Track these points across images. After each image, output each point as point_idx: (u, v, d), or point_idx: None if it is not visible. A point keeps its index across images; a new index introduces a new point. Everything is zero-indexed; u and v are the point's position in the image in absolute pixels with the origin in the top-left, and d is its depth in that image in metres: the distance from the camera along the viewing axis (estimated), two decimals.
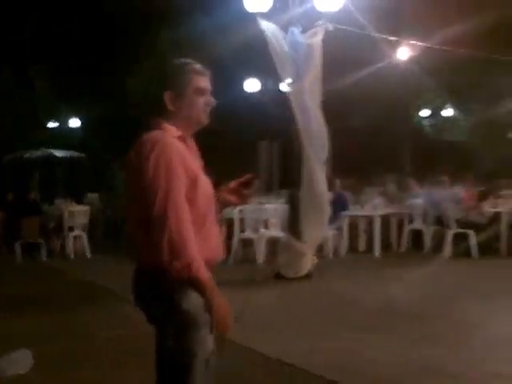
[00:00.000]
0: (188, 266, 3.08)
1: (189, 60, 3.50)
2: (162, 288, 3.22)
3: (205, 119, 3.47)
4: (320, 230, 11.34)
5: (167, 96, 3.38)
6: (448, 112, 23.55)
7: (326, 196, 11.31)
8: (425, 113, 23.85)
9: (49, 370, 6.47)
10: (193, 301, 3.20)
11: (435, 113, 23.70)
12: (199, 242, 3.22)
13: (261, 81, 20.02)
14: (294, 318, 8.57)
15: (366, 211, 14.77)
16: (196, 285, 3.14)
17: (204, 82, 3.46)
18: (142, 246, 3.30)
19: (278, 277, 11.35)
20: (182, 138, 3.36)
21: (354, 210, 14.96)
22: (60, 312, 9.29)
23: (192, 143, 3.51)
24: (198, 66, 3.47)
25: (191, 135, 3.51)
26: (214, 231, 3.42)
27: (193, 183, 3.25)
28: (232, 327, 3.28)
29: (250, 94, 20.44)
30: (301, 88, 10.86)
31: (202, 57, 3.51)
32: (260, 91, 20.30)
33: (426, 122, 24.18)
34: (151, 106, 3.48)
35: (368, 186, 18.74)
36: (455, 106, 23.23)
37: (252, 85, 20.36)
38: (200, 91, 3.42)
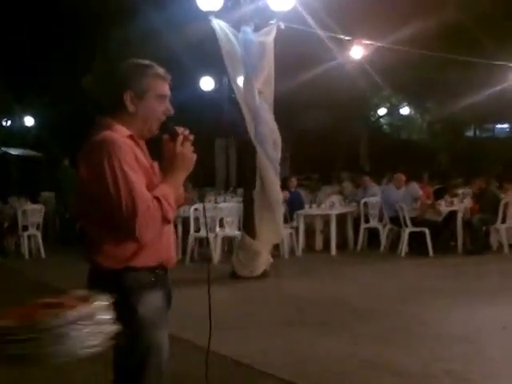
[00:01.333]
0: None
1: (150, 62, 3.42)
2: (118, 292, 3.15)
3: (156, 128, 3.37)
4: (274, 230, 11.28)
5: (127, 96, 3.29)
6: (404, 111, 23.70)
7: (279, 196, 11.29)
8: (382, 111, 23.97)
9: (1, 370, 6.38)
10: (148, 304, 3.21)
11: (392, 111, 23.86)
12: (152, 243, 3.20)
13: (216, 79, 20.00)
14: (248, 318, 8.57)
15: (322, 210, 14.77)
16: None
17: (165, 88, 3.39)
18: (96, 248, 3.24)
19: (234, 276, 11.34)
20: (132, 138, 3.29)
21: (311, 209, 14.93)
22: None
23: (143, 145, 3.41)
24: (161, 71, 3.39)
25: (143, 140, 3.41)
26: (165, 231, 3.34)
27: (148, 176, 3.22)
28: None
29: (206, 92, 20.41)
30: (252, 88, 10.78)
31: (155, 55, 3.41)
32: (215, 89, 20.28)
33: (383, 121, 24.32)
34: (107, 105, 3.38)
35: (325, 185, 18.81)
36: (411, 105, 23.40)
37: (207, 83, 20.32)
38: (161, 97, 3.35)
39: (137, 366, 3.24)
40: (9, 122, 25.17)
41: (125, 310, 3.12)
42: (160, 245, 3.29)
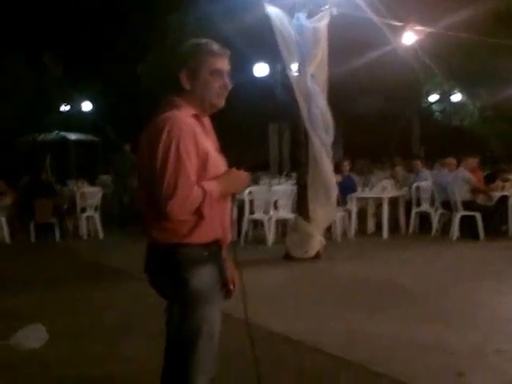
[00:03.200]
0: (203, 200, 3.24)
1: (207, 40, 3.47)
2: (172, 265, 3.31)
3: (220, 102, 3.45)
4: (328, 213, 11.39)
5: (182, 75, 3.38)
6: (456, 97, 23.52)
7: (333, 179, 11.37)
8: (433, 98, 23.81)
9: (60, 344, 6.64)
10: (202, 278, 3.31)
11: (444, 98, 23.70)
12: (209, 221, 3.32)
13: (269, 65, 20.12)
14: (301, 298, 8.70)
15: (374, 193, 14.81)
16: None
17: (220, 63, 3.42)
18: (153, 225, 3.35)
19: (287, 257, 11.49)
20: (196, 117, 3.38)
21: (363, 192, 14.99)
22: (72, 290, 9.50)
23: (208, 123, 3.52)
24: (214, 47, 3.44)
25: (207, 116, 3.51)
26: (223, 211, 3.47)
27: (203, 163, 3.29)
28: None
29: (259, 78, 20.54)
30: (305, 73, 10.91)
31: (212, 40, 3.57)
32: (268, 75, 20.41)
33: (435, 107, 24.17)
34: (167, 86, 3.48)
35: (377, 169, 18.86)
36: (463, 92, 23.21)
37: (260, 69, 20.46)
38: (215, 73, 3.40)
39: (189, 339, 3.33)
40: (67, 108, 25.56)
41: (178, 284, 3.31)
42: (216, 223, 3.39)
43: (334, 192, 11.38)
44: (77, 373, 5.78)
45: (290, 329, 6.99)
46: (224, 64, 3.44)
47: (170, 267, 3.33)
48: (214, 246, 3.43)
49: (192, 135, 3.25)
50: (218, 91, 3.42)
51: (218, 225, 3.41)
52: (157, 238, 3.36)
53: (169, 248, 3.32)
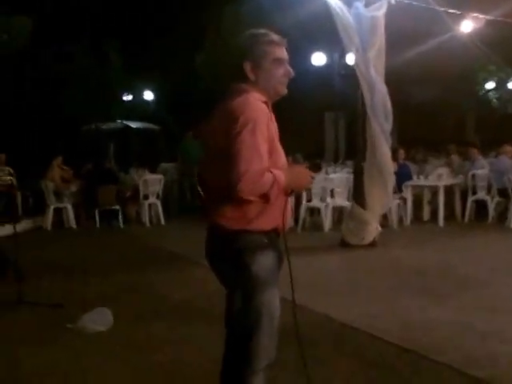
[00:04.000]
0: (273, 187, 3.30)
1: (265, 31, 3.58)
2: (234, 251, 3.41)
3: (283, 90, 3.57)
4: (384, 200, 11.48)
5: (247, 66, 3.48)
6: None
7: (390, 167, 11.42)
8: (490, 85, 23.57)
9: (124, 328, 6.85)
10: (262, 264, 3.40)
11: (500, 85, 23.47)
12: (270, 210, 3.43)
13: (326, 54, 20.21)
14: (357, 284, 8.80)
15: (430, 181, 14.77)
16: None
17: (281, 52, 3.54)
18: (216, 210, 3.45)
19: (344, 244, 11.63)
20: (266, 104, 3.46)
21: (419, 181, 14.98)
22: (135, 275, 9.74)
23: (271, 112, 3.55)
24: (275, 37, 3.54)
25: (270, 104, 3.54)
26: (284, 202, 3.53)
27: (270, 149, 3.37)
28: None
29: (316, 67, 20.64)
30: (366, 60, 10.99)
31: (268, 30, 3.73)
32: (326, 65, 20.50)
33: (491, 95, 23.94)
34: (230, 76, 3.57)
35: (432, 157, 18.81)
36: None
37: (318, 58, 20.54)
38: (277, 61, 3.51)
39: (250, 323, 3.42)
40: (129, 97, 25.92)
41: (240, 269, 3.41)
42: (277, 212, 3.47)
43: (391, 180, 11.44)
44: (139, 357, 5.92)
45: (347, 315, 7.05)
46: (284, 52, 3.56)
47: (231, 253, 3.43)
48: (273, 234, 3.52)
49: (266, 118, 3.35)
50: (281, 79, 3.53)
51: (278, 214, 3.49)
52: (219, 224, 3.45)
53: (231, 234, 3.41)
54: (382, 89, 11.11)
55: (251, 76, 3.50)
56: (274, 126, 3.52)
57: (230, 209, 3.39)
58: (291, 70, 3.56)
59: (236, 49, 3.57)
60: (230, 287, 3.52)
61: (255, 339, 3.42)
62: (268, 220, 3.45)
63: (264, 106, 3.41)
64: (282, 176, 3.33)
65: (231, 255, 3.43)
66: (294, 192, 3.65)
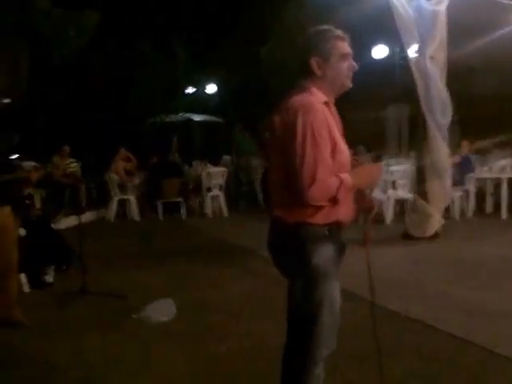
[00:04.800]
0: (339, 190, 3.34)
1: (330, 27, 3.61)
2: (295, 243, 3.44)
3: (348, 83, 3.59)
4: (443, 194, 11.45)
5: (314, 62, 3.52)
6: None
7: (446, 162, 11.37)
8: None
9: (187, 318, 6.95)
10: (322, 256, 3.42)
11: None
12: (332, 206, 3.43)
13: (388, 47, 20.14)
14: (419, 276, 8.73)
15: (493, 173, 14.67)
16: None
17: (346, 47, 3.58)
18: (280, 203, 3.49)
19: (406, 237, 11.59)
20: (326, 104, 3.50)
21: (482, 172, 14.87)
22: (197, 266, 9.86)
23: (334, 110, 3.62)
24: (339, 32, 3.59)
25: (333, 101, 3.62)
26: (350, 197, 3.57)
27: (333, 149, 3.40)
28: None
29: (378, 60, 20.56)
30: (423, 54, 10.96)
31: (331, 24, 3.77)
32: (387, 57, 20.41)
33: None
34: (298, 73, 3.60)
35: (496, 148, 18.59)
36: None
37: (379, 51, 20.48)
38: (343, 56, 3.54)
39: (311, 314, 3.44)
40: (193, 90, 26.10)
41: (300, 261, 3.43)
42: (339, 207, 3.46)
43: (447, 176, 11.39)
44: (202, 347, 5.99)
45: (409, 307, 7.05)
46: (348, 47, 3.59)
47: (292, 245, 3.46)
48: (334, 226, 3.52)
49: (325, 121, 3.38)
50: (346, 73, 3.57)
51: (341, 208, 3.49)
52: (282, 216, 3.49)
53: (293, 226, 3.44)
54: (438, 83, 11.07)
55: (318, 72, 3.54)
56: (337, 123, 3.57)
57: (291, 202, 3.42)
58: (355, 64, 3.60)
59: (303, 45, 3.61)
60: (291, 279, 3.54)
61: (315, 330, 3.46)
62: (330, 214, 3.46)
63: (322, 107, 3.46)
64: (348, 178, 3.38)
65: (292, 247, 3.48)
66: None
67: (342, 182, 3.34)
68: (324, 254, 3.44)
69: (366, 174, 3.60)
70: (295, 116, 3.35)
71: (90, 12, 17.69)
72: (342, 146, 3.52)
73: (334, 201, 3.38)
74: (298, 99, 3.44)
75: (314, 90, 3.52)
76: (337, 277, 3.53)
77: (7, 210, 6.67)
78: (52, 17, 16.14)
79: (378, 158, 15.46)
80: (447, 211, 13.04)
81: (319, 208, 3.41)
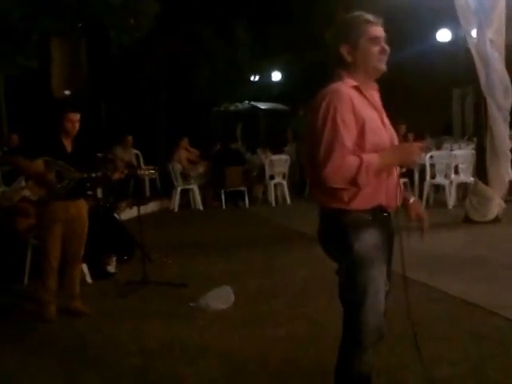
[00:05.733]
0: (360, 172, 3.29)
1: (360, 12, 3.59)
2: (336, 230, 3.48)
3: (382, 66, 3.55)
4: (504, 177, 11.36)
5: (343, 49, 3.51)
6: None
7: (506, 145, 11.24)
8: None
9: (246, 304, 7.03)
10: (365, 242, 3.41)
11: None
12: (371, 188, 3.43)
13: (452, 31, 19.88)
14: (479, 260, 8.63)
15: None
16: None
17: (376, 31, 3.54)
18: (318, 189, 3.52)
19: (467, 221, 11.55)
20: (357, 88, 3.50)
21: None
22: (260, 253, 9.95)
23: (372, 93, 3.61)
24: (369, 16, 3.55)
25: (372, 83, 3.62)
26: (388, 180, 3.54)
27: (361, 130, 3.38)
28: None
29: (442, 43, 20.33)
30: (483, 38, 10.84)
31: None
32: (451, 41, 20.14)
33: None
34: (331, 59, 3.60)
35: None
36: None
37: (444, 35, 20.22)
38: (373, 40, 3.51)
39: (355, 301, 3.45)
40: (257, 78, 26.21)
41: (343, 247, 3.45)
42: (378, 190, 3.47)
43: (506, 159, 11.27)
44: (260, 332, 6.05)
45: (467, 291, 6.99)
46: (379, 31, 3.56)
47: (334, 231, 3.51)
48: (379, 211, 3.50)
49: (350, 104, 3.37)
50: (378, 57, 3.53)
51: (380, 192, 3.49)
52: (322, 202, 3.53)
53: (333, 213, 3.47)
54: (499, 66, 10.97)
55: (349, 58, 3.53)
56: (374, 109, 3.57)
57: (329, 188, 3.40)
58: (387, 48, 3.55)
59: (332, 34, 3.62)
60: (338, 264, 3.59)
61: (360, 316, 3.46)
62: (368, 199, 3.45)
63: (351, 91, 3.47)
64: (373, 158, 3.35)
65: (334, 234, 3.52)
66: (402, 168, 3.65)
67: (361, 161, 3.30)
68: (367, 240, 3.43)
69: (399, 153, 3.54)
70: (321, 102, 3.40)
71: (149, 1, 17.77)
72: (376, 125, 3.50)
73: (354, 183, 3.34)
74: (327, 88, 3.47)
75: (345, 76, 3.53)
76: (383, 263, 3.51)
77: (82, 202, 6.93)
78: (111, 5, 16.20)
79: (419, 138, 15.26)
80: (510, 194, 12.69)
81: (357, 192, 3.40)
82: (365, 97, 3.54)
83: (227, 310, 6.87)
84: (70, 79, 20.40)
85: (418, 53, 19.45)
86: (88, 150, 7.07)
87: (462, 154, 14.20)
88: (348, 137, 3.33)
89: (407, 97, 20.69)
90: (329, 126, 3.33)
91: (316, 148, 3.35)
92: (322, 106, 3.37)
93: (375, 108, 3.58)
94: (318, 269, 8.08)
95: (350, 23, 3.57)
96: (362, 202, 3.44)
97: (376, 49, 3.53)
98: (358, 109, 3.41)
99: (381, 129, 3.53)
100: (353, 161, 3.31)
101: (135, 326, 6.44)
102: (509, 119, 11.20)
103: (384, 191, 3.51)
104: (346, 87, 3.46)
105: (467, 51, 11.50)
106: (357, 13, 3.62)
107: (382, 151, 3.43)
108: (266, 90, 25.78)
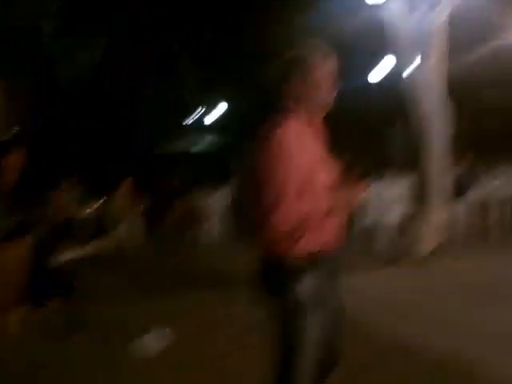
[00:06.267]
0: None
1: (315, 43, 3.57)
2: (275, 276, 3.43)
3: (331, 101, 3.53)
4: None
5: (294, 81, 3.48)
6: None
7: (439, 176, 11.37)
8: None
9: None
10: (302, 289, 3.36)
11: None
12: (313, 231, 3.37)
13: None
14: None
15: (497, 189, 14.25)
16: None
17: (329, 64, 3.52)
18: (259, 233, 3.39)
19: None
20: (306, 123, 3.47)
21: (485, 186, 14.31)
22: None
23: (319, 127, 3.58)
24: (321, 51, 3.53)
25: (320, 118, 3.59)
26: (331, 223, 3.49)
27: (310, 174, 3.35)
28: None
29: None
30: (423, 67, 11.16)
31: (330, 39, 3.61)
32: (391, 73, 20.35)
33: None
34: (281, 91, 3.53)
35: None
36: None
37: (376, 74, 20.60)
38: (324, 76, 3.49)
39: (290, 350, 3.42)
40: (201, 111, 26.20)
41: (281, 294, 3.39)
42: (320, 236, 3.43)
43: (441, 190, 11.38)
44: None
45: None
46: (330, 65, 3.53)
47: (271, 278, 3.46)
48: (317, 256, 3.44)
49: (301, 147, 3.33)
50: (329, 90, 3.52)
51: (322, 237, 3.46)
52: (263, 244, 3.46)
53: (270, 259, 3.44)
54: (439, 95, 11.27)
55: (297, 92, 3.49)
56: (320, 141, 3.56)
57: (269, 233, 3.32)
58: (337, 82, 3.54)
59: (281, 67, 3.56)
60: (274, 310, 3.50)
61: (297, 360, 3.41)
62: (308, 245, 3.40)
63: (302, 129, 3.42)
64: (319, 203, 3.36)
65: (271, 280, 3.47)
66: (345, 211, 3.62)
67: (310, 210, 3.32)
68: (305, 287, 3.37)
69: (345, 196, 3.53)
70: (270, 143, 3.32)
71: (98, 38, 17.72)
72: (321, 168, 3.46)
73: (302, 229, 3.31)
74: (275, 125, 3.38)
75: (295, 110, 3.49)
76: (321, 310, 3.45)
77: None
78: (59, 42, 16.15)
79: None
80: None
81: (297, 239, 3.35)
82: (314, 131, 3.51)
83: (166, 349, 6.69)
84: (14, 117, 19.94)
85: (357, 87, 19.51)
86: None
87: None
88: (297, 183, 3.29)
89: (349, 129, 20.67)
90: (279, 172, 3.27)
91: (264, 192, 3.29)
92: (272, 148, 3.30)
93: (319, 142, 3.55)
94: None
95: (302, 57, 3.50)
96: (302, 248, 3.37)
97: (326, 84, 3.50)
98: (307, 150, 3.36)
99: (326, 169, 3.49)
100: (301, 208, 3.28)
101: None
102: (448, 150, 11.39)
103: (326, 234, 3.48)
104: (295, 125, 3.40)
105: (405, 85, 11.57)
106: (310, 44, 3.57)
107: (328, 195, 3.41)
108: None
